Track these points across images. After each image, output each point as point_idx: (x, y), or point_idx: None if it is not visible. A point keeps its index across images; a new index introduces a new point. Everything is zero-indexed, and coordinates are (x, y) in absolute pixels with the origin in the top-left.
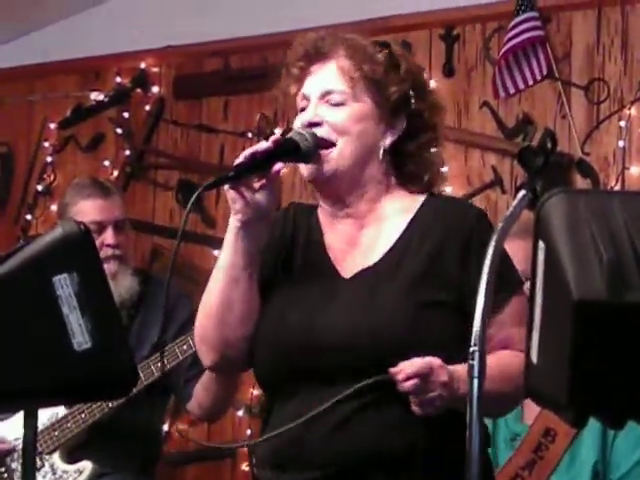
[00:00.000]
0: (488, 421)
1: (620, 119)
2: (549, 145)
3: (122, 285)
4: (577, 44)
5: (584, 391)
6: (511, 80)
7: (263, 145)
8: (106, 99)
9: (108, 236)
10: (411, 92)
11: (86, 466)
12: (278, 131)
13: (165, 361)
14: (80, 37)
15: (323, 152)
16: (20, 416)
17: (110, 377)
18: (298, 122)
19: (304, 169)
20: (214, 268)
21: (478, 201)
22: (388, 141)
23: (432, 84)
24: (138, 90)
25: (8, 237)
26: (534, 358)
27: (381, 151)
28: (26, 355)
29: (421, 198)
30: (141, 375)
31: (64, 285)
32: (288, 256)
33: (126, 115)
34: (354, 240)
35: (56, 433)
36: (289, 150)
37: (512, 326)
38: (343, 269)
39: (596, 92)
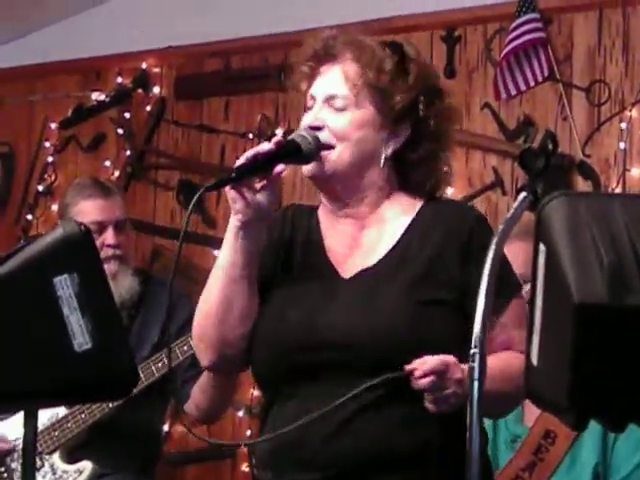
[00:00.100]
0: (488, 422)
1: (621, 121)
2: (550, 147)
3: (122, 285)
4: (578, 46)
5: (584, 394)
6: (513, 81)
7: (265, 147)
8: (107, 99)
9: (109, 236)
10: (421, 98)
11: (86, 466)
12: (279, 131)
13: (166, 361)
14: (81, 37)
15: (323, 152)
16: (20, 416)
17: (110, 378)
18: (303, 122)
19: (305, 167)
20: (213, 267)
21: (479, 202)
22: (390, 149)
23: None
24: (139, 90)
25: (9, 237)
26: (534, 361)
27: (382, 159)
28: (26, 355)
29: (421, 201)
30: (141, 375)
31: (65, 286)
32: (287, 257)
33: (127, 115)
34: (354, 241)
35: (56, 433)
36: (291, 152)
37: (512, 328)
38: (343, 270)
39: (597, 94)
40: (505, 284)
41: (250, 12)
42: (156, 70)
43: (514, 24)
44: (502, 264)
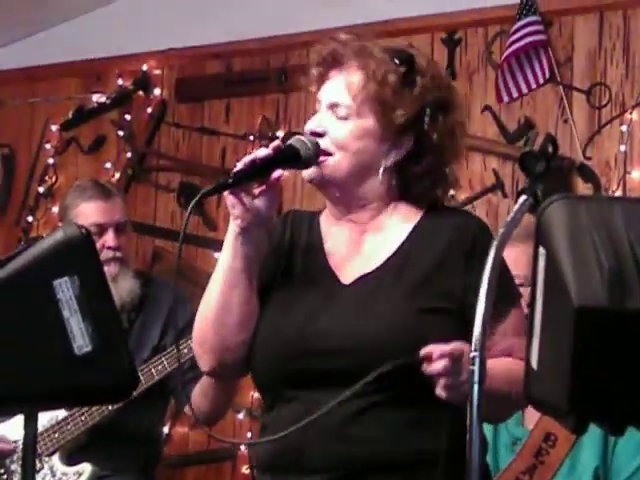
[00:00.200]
0: (489, 426)
1: (622, 123)
2: (550, 150)
3: (123, 287)
4: (579, 48)
5: (584, 398)
6: (514, 84)
7: (263, 152)
8: (108, 101)
9: (109, 238)
10: (427, 111)
11: (85, 468)
12: (280, 134)
13: (166, 364)
14: (82, 39)
15: (322, 157)
16: (20, 418)
17: (110, 380)
18: (307, 127)
19: (304, 171)
20: (214, 272)
21: (479, 205)
22: (390, 161)
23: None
24: (140, 92)
25: (9, 238)
26: (534, 364)
27: (381, 170)
28: (27, 358)
29: (423, 209)
30: (141, 378)
31: (65, 288)
32: (287, 262)
33: (128, 117)
34: (355, 246)
35: (56, 435)
36: (289, 157)
37: (513, 336)
38: (343, 275)
39: (598, 96)
40: (505, 292)
41: (251, 15)
42: (157, 72)
43: (515, 27)
44: (502, 272)
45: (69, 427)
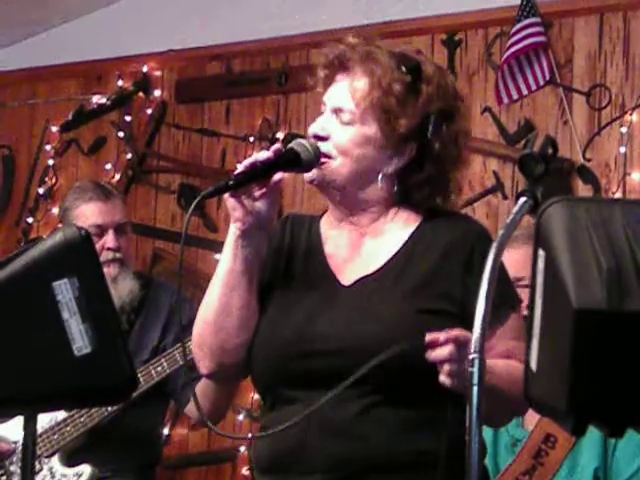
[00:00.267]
0: (488, 429)
1: (621, 125)
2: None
3: (123, 289)
4: (579, 50)
5: (583, 399)
6: (514, 86)
7: (263, 155)
8: (108, 102)
9: (109, 239)
10: (431, 119)
11: (85, 470)
12: (280, 135)
13: (165, 365)
14: (82, 40)
15: (322, 159)
16: (19, 419)
17: (110, 382)
18: (310, 129)
19: (306, 173)
20: (214, 274)
21: (479, 207)
22: (391, 168)
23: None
24: (140, 94)
25: (9, 239)
26: (533, 366)
27: (380, 177)
28: (26, 360)
29: (423, 214)
30: (141, 379)
31: (64, 290)
32: (287, 265)
33: (128, 118)
34: (355, 248)
35: (55, 436)
36: (290, 160)
37: (512, 340)
38: (342, 277)
39: (598, 98)
40: (505, 296)
41: (251, 16)
42: (157, 73)
43: (515, 28)
44: (502, 277)
45: (68, 428)
